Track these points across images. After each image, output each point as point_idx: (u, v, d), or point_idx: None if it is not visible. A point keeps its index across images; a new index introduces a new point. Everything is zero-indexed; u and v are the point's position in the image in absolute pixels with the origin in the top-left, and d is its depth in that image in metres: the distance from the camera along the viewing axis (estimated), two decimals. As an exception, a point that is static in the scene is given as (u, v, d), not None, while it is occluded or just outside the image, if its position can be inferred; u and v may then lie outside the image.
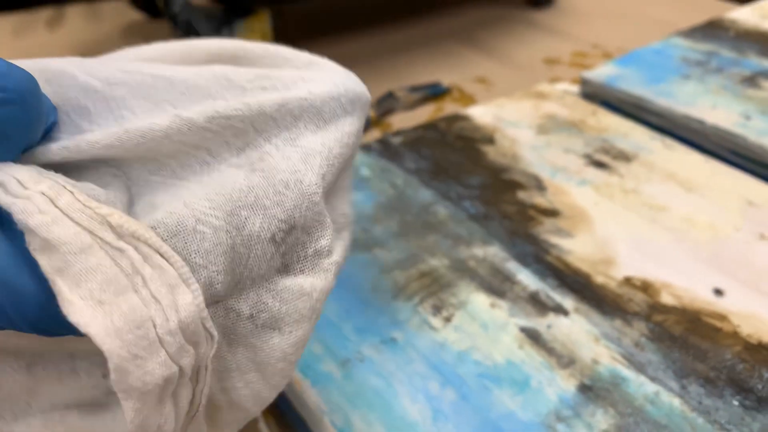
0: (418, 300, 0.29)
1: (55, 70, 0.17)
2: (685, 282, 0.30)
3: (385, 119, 0.52)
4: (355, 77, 0.19)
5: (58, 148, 0.15)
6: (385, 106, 0.52)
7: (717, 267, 0.31)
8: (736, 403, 0.24)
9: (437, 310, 0.29)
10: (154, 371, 0.13)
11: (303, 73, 0.17)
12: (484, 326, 0.28)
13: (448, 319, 0.28)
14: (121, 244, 0.13)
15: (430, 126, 0.43)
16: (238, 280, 0.15)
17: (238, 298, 0.15)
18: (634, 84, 0.45)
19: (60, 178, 0.14)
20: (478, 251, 0.32)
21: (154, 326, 0.13)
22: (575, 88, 0.48)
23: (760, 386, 0.25)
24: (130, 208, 0.15)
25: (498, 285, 0.30)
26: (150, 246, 0.14)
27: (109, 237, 0.13)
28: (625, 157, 0.39)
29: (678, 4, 0.71)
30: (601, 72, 0.47)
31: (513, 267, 0.31)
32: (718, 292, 0.29)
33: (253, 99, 0.16)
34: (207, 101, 0.16)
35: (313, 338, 0.27)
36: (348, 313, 0.28)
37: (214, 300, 0.15)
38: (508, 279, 0.30)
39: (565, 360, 0.26)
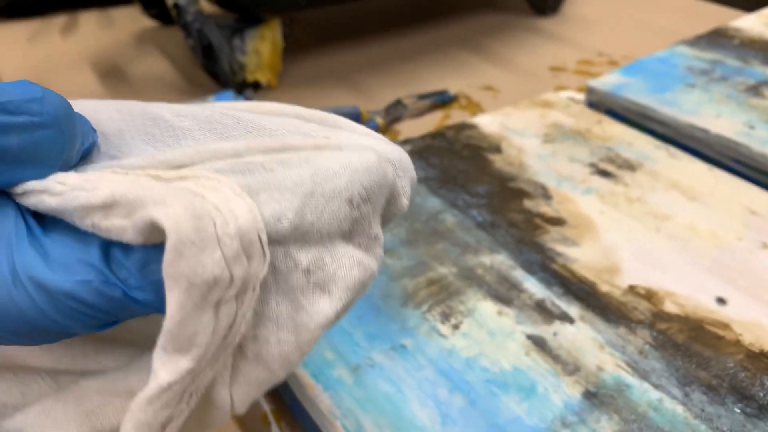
0: (426, 307, 0.30)
1: (128, 103, 0.18)
2: (689, 290, 0.30)
3: (393, 127, 0.52)
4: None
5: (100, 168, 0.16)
6: (393, 113, 0.53)
7: (720, 276, 0.31)
8: (738, 410, 0.25)
9: (446, 317, 0.29)
10: (206, 265, 0.13)
11: (362, 137, 0.18)
12: (491, 333, 0.29)
13: (456, 327, 0.29)
14: (171, 184, 0.14)
15: (437, 135, 0.44)
16: (306, 229, 0.15)
17: (300, 247, 0.15)
18: (638, 93, 0.45)
19: (99, 168, 0.15)
20: (486, 259, 0.33)
21: (214, 225, 0.13)
22: (581, 97, 0.49)
23: (761, 394, 0.25)
24: None
25: (505, 293, 0.31)
26: (199, 177, 0.14)
27: (158, 183, 0.14)
28: (629, 166, 0.40)
29: (683, 12, 0.71)
30: (607, 81, 0.47)
31: (520, 275, 0.32)
32: (721, 300, 0.30)
33: (319, 132, 0.17)
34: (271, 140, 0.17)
35: (325, 344, 0.28)
36: (359, 320, 0.29)
37: (277, 239, 0.15)
38: (515, 287, 0.31)
39: (570, 367, 0.27)
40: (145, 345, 0.18)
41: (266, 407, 0.29)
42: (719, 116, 0.42)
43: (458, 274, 0.32)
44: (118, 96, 0.59)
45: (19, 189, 0.14)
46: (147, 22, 0.75)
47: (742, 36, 0.54)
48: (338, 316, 0.16)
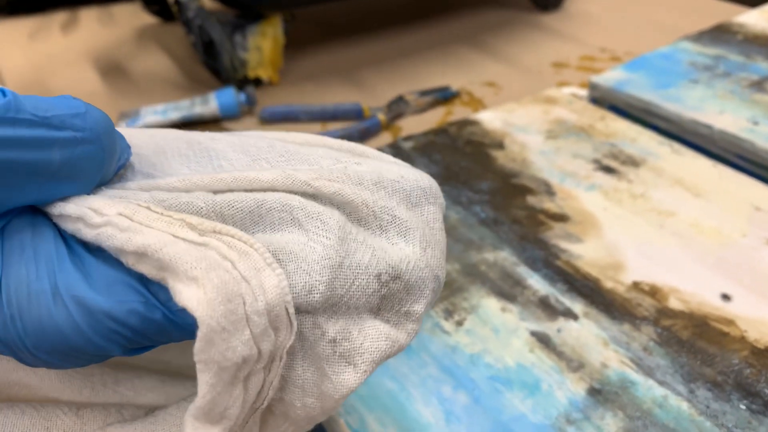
0: (430, 304, 0.30)
1: (162, 130, 0.18)
2: (693, 287, 0.30)
3: (395, 123, 0.52)
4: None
5: (137, 186, 0.16)
6: (395, 109, 0.52)
7: (724, 272, 0.31)
8: (743, 407, 0.25)
9: (449, 314, 0.29)
10: (236, 348, 0.13)
11: (392, 165, 0.18)
12: (495, 330, 0.28)
13: (460, 323, 0.29)
14: (204, 239, 0.14)
15: (440, 131, 0.44)
16: (335, 301, 0.16)
17: (328, 318, 0.16)
18: (642, 89, 0.45)
19: (132, 198, 0.15)
20: (489, 256, 0.33)
21: (244, 303, 0.13)
22: (583, 93, 0.49)
23: (766, 390, 0.25)
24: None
25: (508, 289, 0.31)
26: (232, 236, 0.14)
27: (191, 235, 0.14)
28: (633, 162, 0.40)
29: (686, 8, 0.71)
30: (610, 77, 0.47)
31: (523, 271, 0.32)
32: (726, 297, 0.30)
33: (351, 170, 0.17)
34: (305, 165, 0.17)
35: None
36: (362, 317, 0.29)
37: (307, 309, 0.15)
38: (519, 283, 0.31)
39: (574, 364, 0.27)
40: (164, 372, 0.18)
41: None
42: (723, 112, 0.42)
43: (461, 271, 0.32)
44: (118, 92, 0.59)
45: (56, 211, 0.14)
46: (148, 19, 0.75)
47: (745, 32, 0.53)
48: (360, 385, 0.16)
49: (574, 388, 0.26)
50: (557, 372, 0.26)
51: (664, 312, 0.29)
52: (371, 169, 0.17)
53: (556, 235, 0.34)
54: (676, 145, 0.41)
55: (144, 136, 0.18)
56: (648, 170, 0.39)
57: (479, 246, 0.33)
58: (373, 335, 0.16)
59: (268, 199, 0.15)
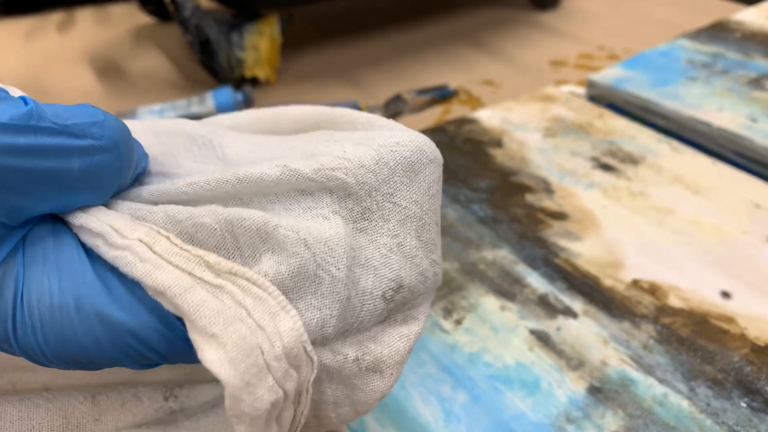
0: (429, 303, 0.30)
1: (166, 124, 0.18)
2: (693, 285, 0.30)
3: (393, 122, 0.52)
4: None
5: (149, 193, 0.16)
6: (392, 108, 0.52)
7: (724, 270, 0.31)
8: (743, 404, 0.25)
9: (448, 312, 0.29)
10: (263, 397, 0.13)
11: (386, 131, 0.18)
12: (494, 329, 0.28)
13: (458, 322, 0.29)
14: (220, 281, 0.14)
15: (438, 129, 0.44)
16: (347, 328, 0.16)
17: (343, 342, 0.16)
18: (640, 86, 0.45)
19: (146, 213, 0.15)
20: (488, 254, 0.33)
21: (262, 353, 0.14)
22: (581, 91, 0.48)
23: (767, 388, 0.25)
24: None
25: (508, 288, 0.30)
26: (247, 279, 0.14)
27: (208, 276, 0.14)
28: (632, 159, 0.39)
29: (683, 5, 0.71)
30: (608, 74, 0.47)
31: (522, 270, 0.31)
32: (726, 294, 0.30)
33: (351, 154, 0.17)
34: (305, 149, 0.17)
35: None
36: (360, 316, 0.29)
37: (322, 342, 0.16)
38: (518, 282, 0.31)
39: (574, 362, 0.27)
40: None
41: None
42: (721, 109, 0.42)
43: (460, 270, 0.32)
44: (115, 92, 0.59)
45: (77, 222, 0.14)
46: (144, 18, 0.75)
47: (743, 29, 0.53)
48: (393, 385, 0.17)
49: (574, 386, 0.26)
50: (557, 370, 0.26)
51: (664, 310, 0.29)
52: (369, 146, 0.17)
53: (555, 234, 0.34)
54: (675, 143, 0.41)
55: (148, 135, 0.18)
56: (647, 168, 0.39)
57: (478, 244, 0.33)
58: (389, 341, 0.17)
59: (273, 219, 0.15)
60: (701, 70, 0.47)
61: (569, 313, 0.29)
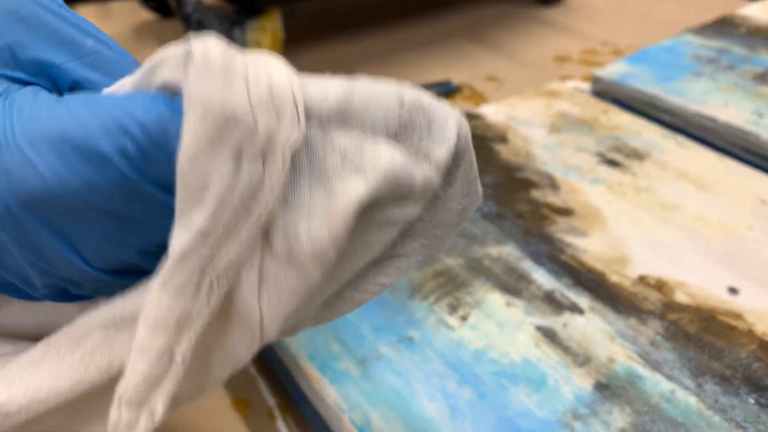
0: (434, 299, 0.29)
1: None
2: (699, 281, 0.30)
3: (396, 118, 0.52)
4: None
5: None
6: (396, 104, 0.52)
7: (730, 265, 0.31)
8: (751, 401, 0.24)
9: (453, 309, 0.29)
10: (226, 97, 0.12)
11: (376, 87, 0.17)
12: (500, 325, 0.28)
13: (464, 318, 0.29)
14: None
15: (442, 125, 0.44)
16: (351, 115, 0.14)
17: (340, 130, 0.14)
18: (645, 82, 0.45)
19: None
20: (493, 250, 0.32)
21: (246, 69, 0.13)
22: (586, 86, 0.48)
23: (775, 384, 0.25)
24: None
25: (513, 284, 0.30)
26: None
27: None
28: (637, 155, 0.39)
29: (688, 0, 0.71)
30: (613, 70, 0.47)
31: (528, 266, 0.31)
32: (733, 290, 0.29)
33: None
34: None
35: (330, 337, 0.28)
36: (365, 312, 0.29)
37: (319, 115, 0.14)
38: (523, 278, 0.31)
39: (581, 358, 0.26)
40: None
41: (271, 401, 0.29)
42: (727, 105, 0.42)
43: (465, 266, 0.31)
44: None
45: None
46: (145, 15, 0.75)
47: (748, 24, 0.53)
48: (369, 200, 0.14)
49: (581, 383, 0.25)
50: (563, 367, 0.26)
51: (671, 306, 0.29)
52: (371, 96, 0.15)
53: (560, 230, 0.34)
54: (681, 138, 0.41)
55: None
56: (652, 164, 0.38)
57: (483, 241, 0.33)
58: (385, 152, 0.14)
59: None
60: (707, 65, 0.47)
61: (575, 309, 0.29)
